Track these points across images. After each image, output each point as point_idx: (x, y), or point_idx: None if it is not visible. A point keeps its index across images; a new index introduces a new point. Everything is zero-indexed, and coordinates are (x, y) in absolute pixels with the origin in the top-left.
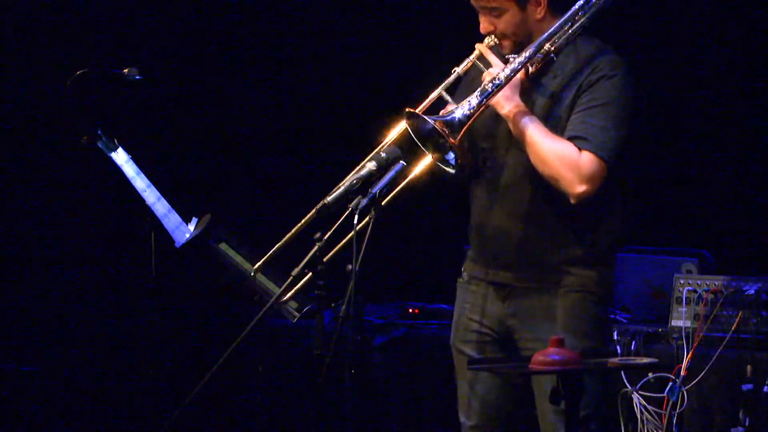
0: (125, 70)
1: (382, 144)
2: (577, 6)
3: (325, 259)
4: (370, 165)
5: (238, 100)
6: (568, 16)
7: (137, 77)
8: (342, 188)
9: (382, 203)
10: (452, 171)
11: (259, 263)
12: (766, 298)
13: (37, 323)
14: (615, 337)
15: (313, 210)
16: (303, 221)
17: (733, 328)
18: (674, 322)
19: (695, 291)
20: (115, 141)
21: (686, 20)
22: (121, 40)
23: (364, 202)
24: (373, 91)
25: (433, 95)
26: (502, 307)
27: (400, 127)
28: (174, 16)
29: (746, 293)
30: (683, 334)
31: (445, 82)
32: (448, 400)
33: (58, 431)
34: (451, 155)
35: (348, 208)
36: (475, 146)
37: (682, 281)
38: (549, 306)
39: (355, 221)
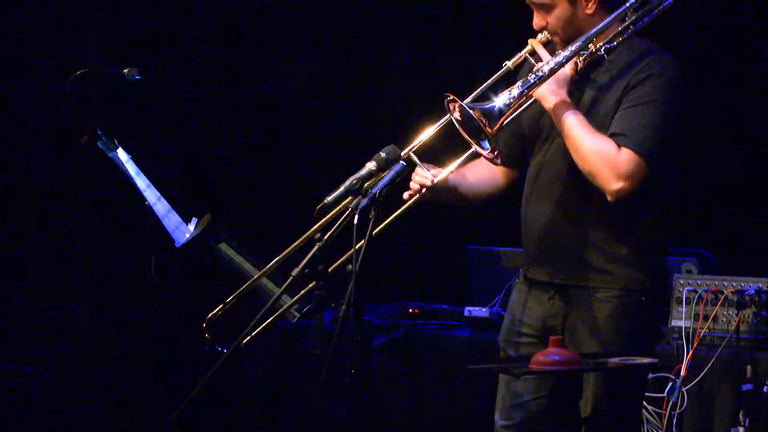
0: (125, 70)
1: (416, 141)
2: (627, 4)
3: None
4: (370, 165)
5: (238, 99)
6: (619, 13)
7: (137, 77)
8: (342, 188)
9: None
10: (497, 160)
11: (264, 270)
12: (766, 298)
13: (37, 323)
14: None
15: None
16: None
17: (733, 328)
18: (674, 322)
19: (695, 291)
20: (115, 141)
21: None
22: (121, 40)
23: (364, 202)
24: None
25: (482, 87)
26: (546, 307)
27: (444, 119)
28: (174, 16)
29: (746, 293)
30: (683, 334)
31: (495, 76)
32: (448, 400)
33: (59, 431)
34: (487, 145)
35: (348, 208)
36: (525, 142)
37: (682, 281)
38: (591, 307)
39: (356, 221)
